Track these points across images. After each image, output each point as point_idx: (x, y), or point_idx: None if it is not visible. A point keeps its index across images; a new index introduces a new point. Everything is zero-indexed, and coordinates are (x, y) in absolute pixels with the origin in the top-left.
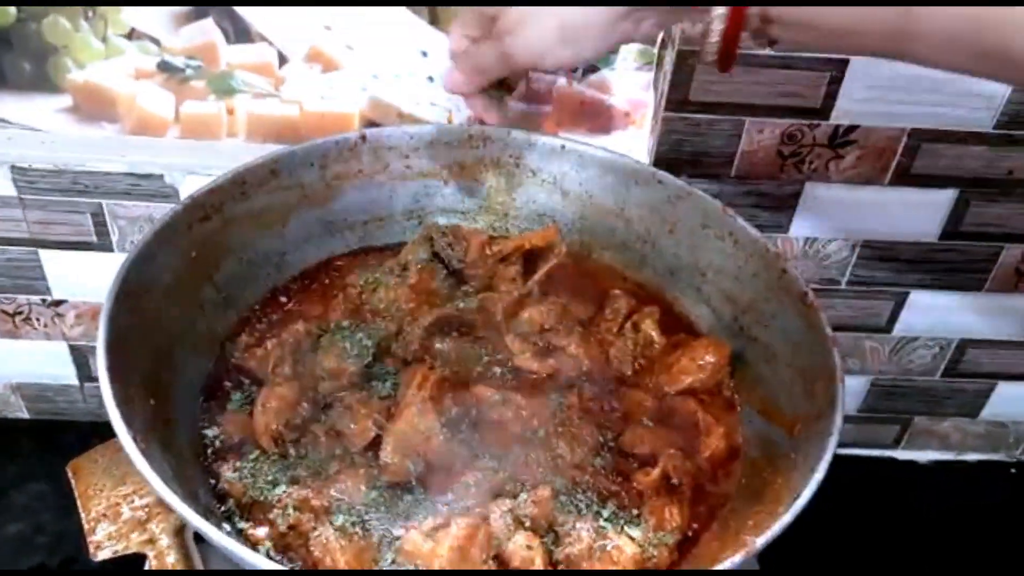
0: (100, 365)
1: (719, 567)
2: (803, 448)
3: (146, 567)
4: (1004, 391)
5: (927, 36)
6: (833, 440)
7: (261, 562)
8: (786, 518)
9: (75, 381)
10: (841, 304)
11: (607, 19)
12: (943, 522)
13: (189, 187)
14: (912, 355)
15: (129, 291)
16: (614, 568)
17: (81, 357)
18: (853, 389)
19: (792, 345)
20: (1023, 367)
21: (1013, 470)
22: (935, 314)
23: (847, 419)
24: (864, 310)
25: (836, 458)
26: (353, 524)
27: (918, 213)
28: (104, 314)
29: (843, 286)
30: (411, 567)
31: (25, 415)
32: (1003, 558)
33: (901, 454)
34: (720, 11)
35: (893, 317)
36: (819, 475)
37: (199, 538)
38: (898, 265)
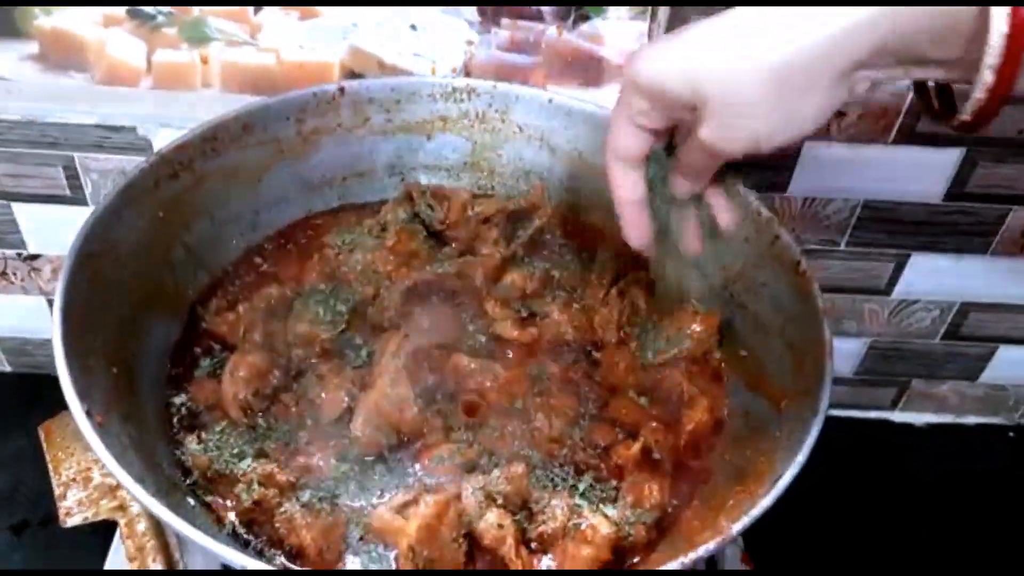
0: (55, 333)
1: (694, 555)
2: (788, 426)
3: (116, 535)
4: (1005, 355)
5: None
6: (818, 421)
7: (210, 543)
8: (765, 502)
9: None
10: (839, 265)
11: (827, 85)
12: (939, 486)
13: (163, 140)
14: (911, 318)
15: (91, 252)
16: (589, 546)
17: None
18: (850, 351)
19: (783, 316)
20: None
21: (1012, 434)
22: (937, 277)
23: (844, 381)
24: (863, 272)
25: (831, 420)
26: (320, 500)
27: (922, 173)
28: (62, 278)
29: (842, 247)
30: (379, 544)
31: (7, 368)
32: (1000, 522)
33: (898, 416)
34: (992, 58)
35: (893, 279)
36: (801, 458)
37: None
38: (900, 227)
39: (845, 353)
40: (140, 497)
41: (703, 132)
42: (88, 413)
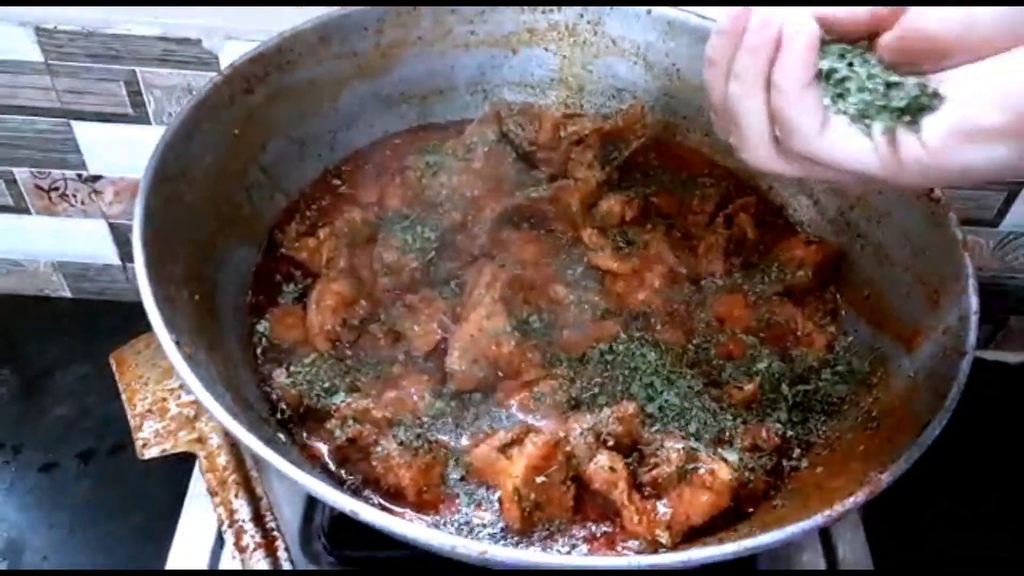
0: (137, 261)
1: (841, 508)
2: (926, 367)
3: (196, 468)
4: None
5: None
6: (967, 360)
7: (339, 500)
8: (915, 452)
9: (116, 260)
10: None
11: None
12: None
13: (230, 54)
14: (1017, 252)
15: (167, 175)
16: (707, 492)
17: (121, 236)
18: None
19: (911, 246)
20: None
21: None
22: None
23: None
24: (972, 201)
25: None
26: (417, 437)
27: None
28: (139, 202)
29: None
30: (481, 485)
31: (68, 294)
32: None
33: (991, 355)
34: None
35: (1004, 209)
36: (951, 402)
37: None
38: None
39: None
40: (235, 431)
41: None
42: (177, 343)
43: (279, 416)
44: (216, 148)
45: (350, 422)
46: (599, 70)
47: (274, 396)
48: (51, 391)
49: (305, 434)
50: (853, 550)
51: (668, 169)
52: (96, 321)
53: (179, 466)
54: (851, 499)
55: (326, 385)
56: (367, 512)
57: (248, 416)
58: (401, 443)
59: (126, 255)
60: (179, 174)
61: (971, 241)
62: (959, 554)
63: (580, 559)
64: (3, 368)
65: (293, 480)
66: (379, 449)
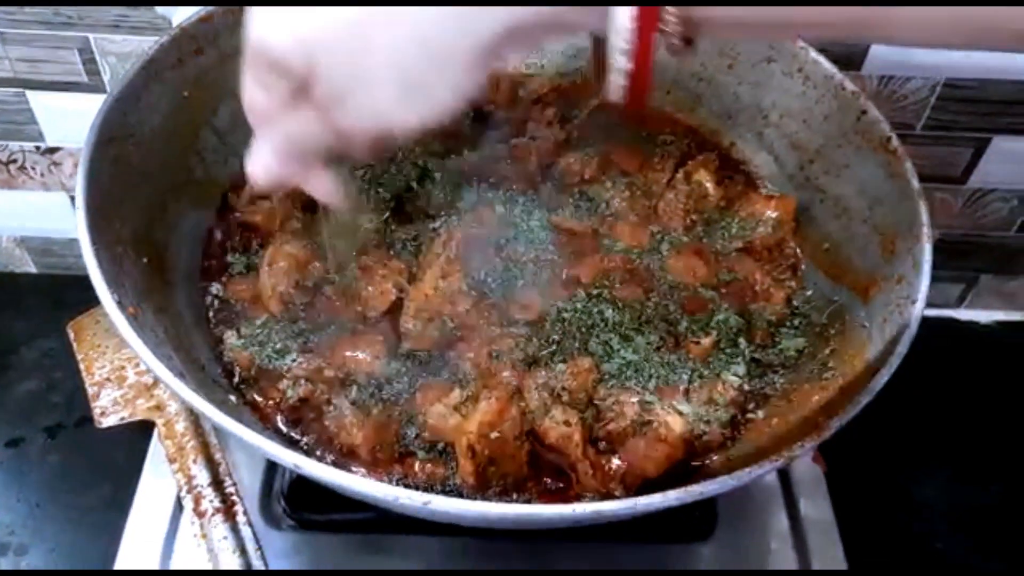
0: (80, 221)
1: (789, 453)
2: (879, 315)
3: (155, 435)
4: None
5: (900, 22)
6: (919, 307)
7: (280, 454)
8: (864, 398)
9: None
10: (913, 151)
11: (465, 60)
12: (1005, 385)
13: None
14: (986, 208)
15: (112, 136)
16: (661, 444)
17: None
18: None
19: (869, 199)
20: None
21: None
22: (1018, 163)
23: None
24: (939, 158)
25: None
26: (371, 397)
27: None
28: (83, 161)
29: (918, 131)
30: (437, 443)
31: (32, 269)
32: None
33: (963, 314)
34: (622, 20)
35: (970, 166)
36: (903, 348)
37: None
38: (983, 107)
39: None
40: (179, 391)
41: (334, 113)
42: (119, 304)
43: (232, 379)
44: (165, 110)
45: (302, 382)
46: None
47: (226, 358)
48: (17, 366)
49: (258, 396)
50: (815, 504)
51: (629, 126)
52: (62, 296)
53: (146, 437)
54: (799, 446)
55: (278, 346)
56: (310, 466)
57: (199, 378)
58: (354, 403)
59: None
60: (126, 135)
61: (940, 198)
62: (928, 510)
63: (523, 507)
64: None
65: (235, 434)
66: (332, 409)
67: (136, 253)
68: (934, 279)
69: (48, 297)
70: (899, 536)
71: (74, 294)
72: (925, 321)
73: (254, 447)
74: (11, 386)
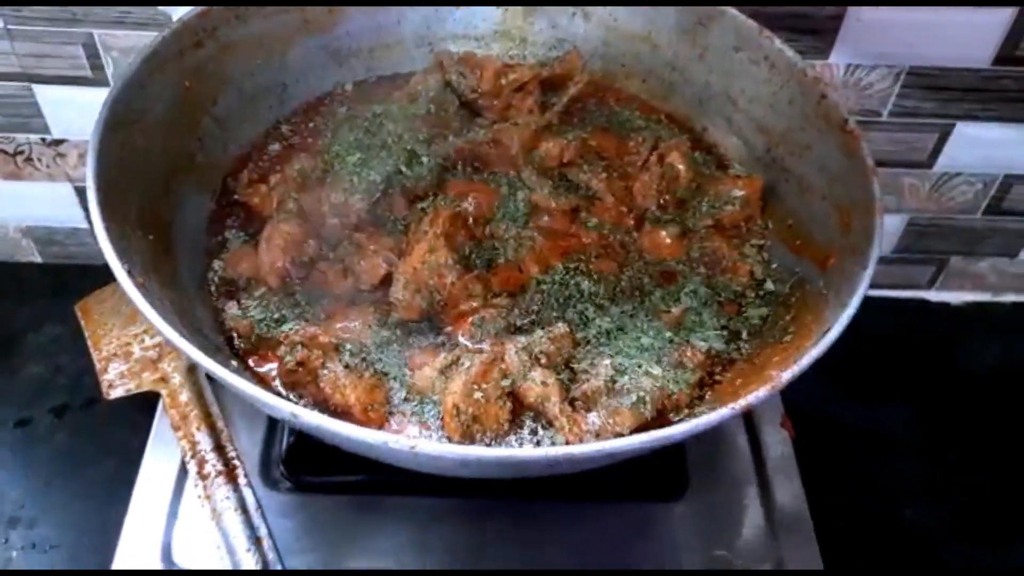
0: (91, 199)
1: (744, 402)
2: (835, 283)
3: (159, 407)
4: None
5: None
6: (868, 273)
7: (279, 404)
8: (814, 352)
9: (84, 224)
10: (881, 137)
11: None
12: (976, 365)
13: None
14: (953, 192)
15: (119, 121)
16: (632, 407)
17: (87, 199)
18: (889, 228)
19: (828, 177)
20: None
21: None
22: (981, 148)
23: (880, 260)
24: (905, 144)
25: (867, 300)
26: (363, 361)
27: (971, 36)
28: (93, 141)
29: (884, 117)
30: (424, 403)
31: (37, 259)
32: None
33: (934, 295)
34: None
35: (936, 151)
36: (851, 309)
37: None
38: (946, 94)
39: (884, 230)
40: (186, 350)
41: None
42: (129, 273)
43: (233, 346)
44: (167, 99)
45: (298, 347)
46: (540, 22)
47: (227, 326)
48: (24, 351)
49: (257, 360)
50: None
51: (606, 113)
52: (66, 284)
53: (149, 416)
54: (753, 394)
55: (276, 316)
56: (306, 415)
57: (202, 344)
58: (347, 366)
59: None
60: (132, 121)
61: (909, 183)
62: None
63: (499, 450)
64: None
65: (237, 389)
66: (326, 372)
67: (142, 231)
68: (906, 261)
69: (52, 285)
70: (866, 503)
71: (77, 282)
72: (898, 303)
73: (254, 399)
74: (19, 370)
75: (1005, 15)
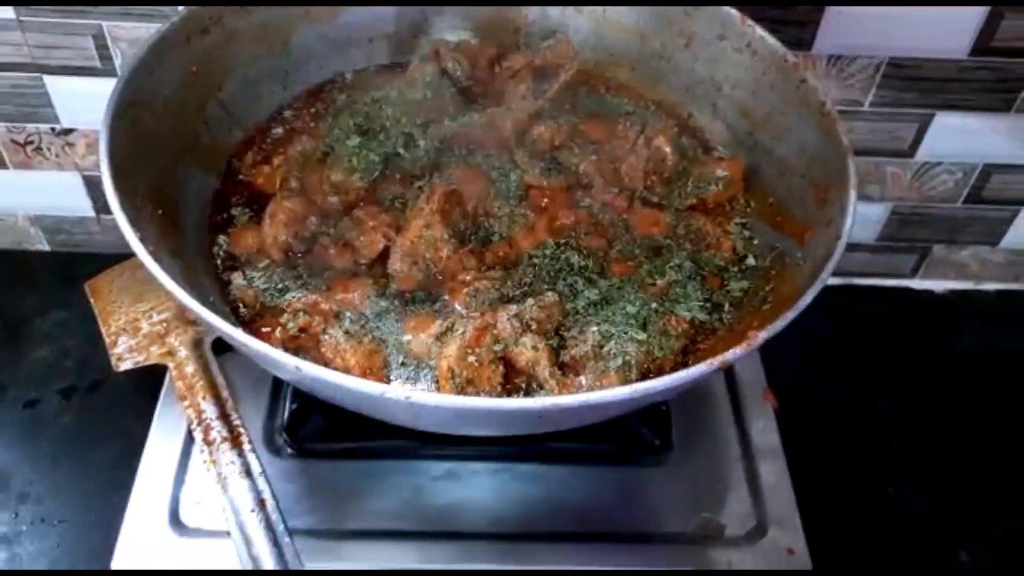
0: (104, 172)
1: (722, 358)
2: (812, 254)
3: (166, 380)
4: None
5: None
6: (841, 243)
7: (282, 357)
8: (790, 314)
9: (91, 212)
10: (863, 127)
11: None
12: (960, 352)
13: None
14: (934, 180)
15: (130, 102)
16: (618, 370)
17: (95, 188)
18: (872, 217)
19: (807, 157)
20: None
21: None
22: (960, 137)
23: (864, 248)
24: (887, 133)
25: (851, 288)
26: (362, 328)
27: (948, 28)
28: (105, 120)
29: (866, 107)
30: (420, 368)
31: (45, 247)
32: (1021, 390)
33: (918, 283)
34: None
35: (917, 140)
36: (826, 274)
37: (217, 349)
38: (924, 84)
39: (867, 219)
40: (196, 309)
41: None
42: (142, 240)
43: (238, 314)
44: (175, 83)
45: (301, 314)
46: (533, 13)
47: (232, 296)
48: (32, 336)
49: (261, 328)
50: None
51: (596, 98)
52: (73, 272)
53: (154, 399)
54: (731, 352)
55: (279, 286)
56: (309, 367)
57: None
58: (347, 332)
59: (101, 207)
60: (142, 103)
61: (891, 172)
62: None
63: (491, 400)
64: None
65: (245, 345)
66: (327, 337)
67: (152, 206)
68: (889, 249)
69: (59, 273)
70: (850, 484)
71: (85, 271)
72: (882, 291)
73: (261, 355)
74: (27, 354)
75: (980, 8)
